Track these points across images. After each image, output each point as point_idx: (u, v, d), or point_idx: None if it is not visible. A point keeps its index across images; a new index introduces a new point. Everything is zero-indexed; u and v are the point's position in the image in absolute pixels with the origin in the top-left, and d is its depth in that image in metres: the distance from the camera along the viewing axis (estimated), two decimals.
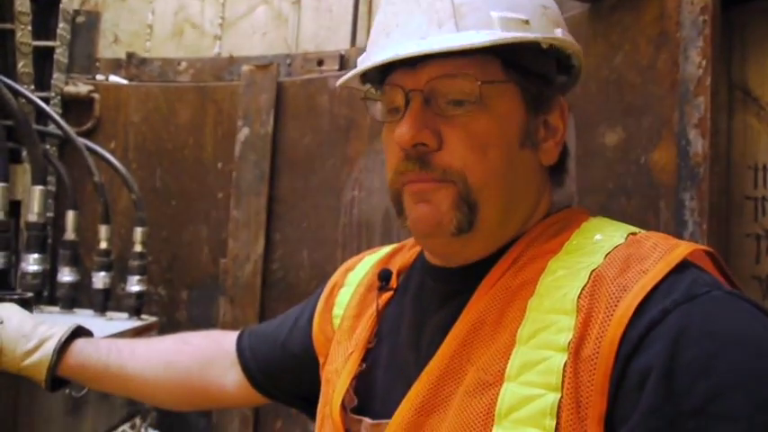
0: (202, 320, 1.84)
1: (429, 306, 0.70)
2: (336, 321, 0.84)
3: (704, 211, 1.07)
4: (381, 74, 0.70)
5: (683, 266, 0.57)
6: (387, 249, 0.87)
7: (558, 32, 0.68)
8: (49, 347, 0.93)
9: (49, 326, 0.97)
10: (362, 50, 2.08)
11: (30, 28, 1.72)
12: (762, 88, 1.18)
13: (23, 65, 1.72)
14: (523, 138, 0.67)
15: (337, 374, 0.74)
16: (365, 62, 0.67)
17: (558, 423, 0.54)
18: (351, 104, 1.76)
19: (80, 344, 0.96)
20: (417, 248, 0.81)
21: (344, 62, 1.86)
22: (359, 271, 0.86)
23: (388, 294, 0.77)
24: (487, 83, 0.64)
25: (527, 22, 0.64)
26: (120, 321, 1.59)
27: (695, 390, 0.50)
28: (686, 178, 1.10)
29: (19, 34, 1.70)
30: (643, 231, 0.64)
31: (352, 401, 0.71)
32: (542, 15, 0.67)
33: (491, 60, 0.64)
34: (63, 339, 0.95)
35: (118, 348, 0.98)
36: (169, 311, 1.88)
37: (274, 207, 1.82)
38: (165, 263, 1.92)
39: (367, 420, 0.68)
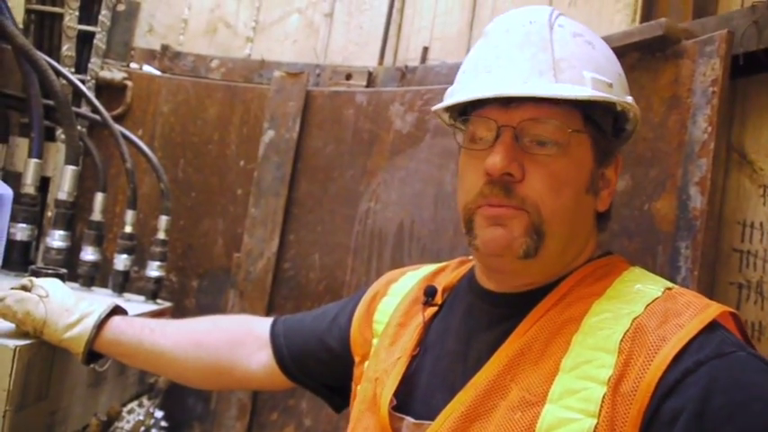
0: (210, 309, 1.90)
1: (478, 325, 0.79)
2: (378, 327, 0.91)
3: (697, 260, 1.19)
4: (469, 105, 0.78)
5: (712, 326, 0.66)
6: (431, 268, 0.96)
7: (629, 99, 0.78)
8: (89, 323, 0.99)
9: (89, 302, 1.03)
10: (390, 69, 2.14)
11: (77, 13, 1.78)
12: (757, 153, 1.30)
13: (67, 48, 1.78)
14: (589, 184, 0.76)
15: (386, 374, 0.82)
16: (464, 93, 0.75)
17: None
18: (375, 120, 1.85)
19: (116, 321, 1.02)
20: (462, 270, 0.90)
21: (372, 79, 1.94)
22: (401, 284, 0.94)
23: (432, 309, 0.85)
24: (575, 131, 0.73)
25: (611, 85, 0.74)
26: (138, 303, 1.65)
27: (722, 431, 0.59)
28: (684, 228, 1.22)
29: (67, 18, 1.76)
30: (676, 287, 0.73)
31: (392, 401, 0.79)
32: (619, 82, 0.78)
33: (574, 113, 0.74)
34: (102, 316, 1.01)
35: (150, 327, 1.04)
36: (178, 297, 1.94)
37: (291, 209, 1.88)
38: (180, 250, 1.98)
39: (409, 419, 0.76)
